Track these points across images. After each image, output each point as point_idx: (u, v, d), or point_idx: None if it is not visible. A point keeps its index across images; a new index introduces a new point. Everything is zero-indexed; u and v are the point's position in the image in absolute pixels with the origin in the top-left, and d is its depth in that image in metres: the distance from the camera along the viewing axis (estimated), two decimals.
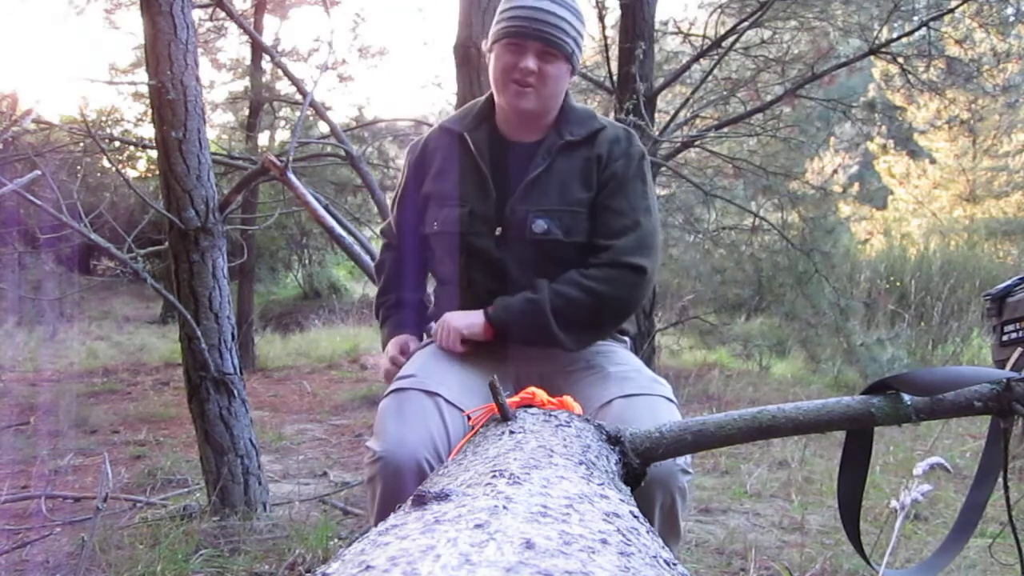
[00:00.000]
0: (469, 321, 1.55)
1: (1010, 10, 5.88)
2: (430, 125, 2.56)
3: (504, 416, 1.08)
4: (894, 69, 6.16)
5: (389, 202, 1.90)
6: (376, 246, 2.25)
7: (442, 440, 1.33)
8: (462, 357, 1.56)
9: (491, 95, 1.63)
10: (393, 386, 1.46)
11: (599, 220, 1.56)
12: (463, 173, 1.60)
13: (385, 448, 1.32)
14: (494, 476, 0.76)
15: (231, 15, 5.05)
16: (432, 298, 1.78)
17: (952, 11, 5.56)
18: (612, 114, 5.36)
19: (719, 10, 5.75)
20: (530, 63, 1.50)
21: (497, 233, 1.57)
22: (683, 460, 1.33)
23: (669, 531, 1.37)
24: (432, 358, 1.54)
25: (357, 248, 2.78)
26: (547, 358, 1.58)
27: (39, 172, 2.16)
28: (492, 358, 1.55)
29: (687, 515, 1.42)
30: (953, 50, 5.85)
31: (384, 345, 1.74)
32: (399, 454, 1.30)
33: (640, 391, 1.43)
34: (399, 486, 1.27)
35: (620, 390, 1.44)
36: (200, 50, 3.16)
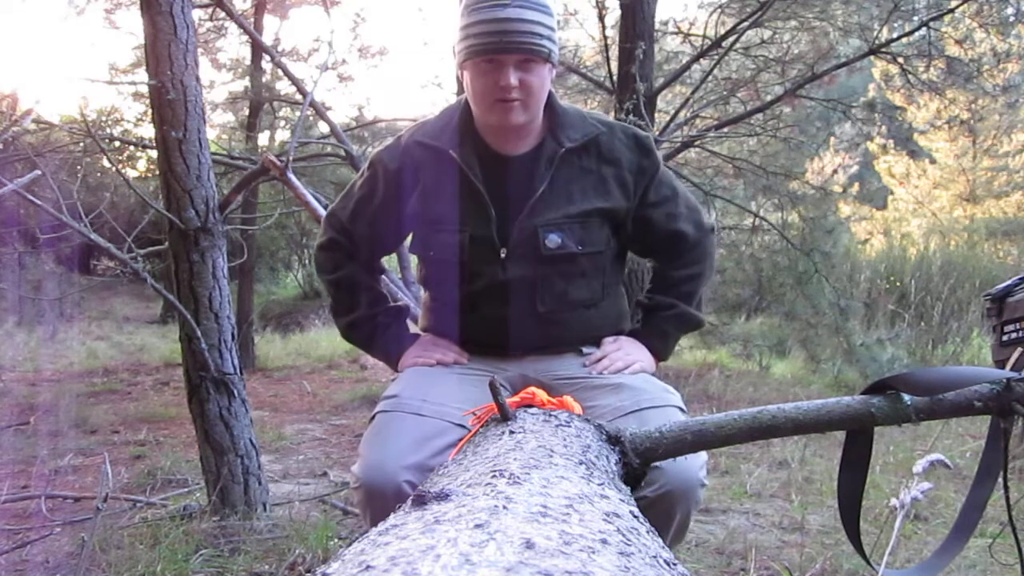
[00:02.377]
0: (647, 364, 1.58)
1: (1010, 10, 5.89)
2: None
3: (504, 416, 1.08)
4: (894, 69, 6.16)
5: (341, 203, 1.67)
6: None
7: (425, 457, 1.31)
8: (458, 369, 1.55)
9: (467, 102, 1.53)
10: (376, 409, 1.46)
11: (650, 218, 1.57)
12: (457, 196, 1.51)
13: (364, 474, 1.32)
14: (494, 476, 0.76)
15: (231, 15, 5.05)
16: (422, 309, 1.72)
17: (952, 11, 5.56)
18: (612, 114, 5.36)
19: (719, 10, 5.75)
20: (511, 79, 1.39)
21: (503, 255, 1.50)
22: (702, 474, 1.33)
23: (678, 537, 1.38)
24: (419, 375, 1.53)
25: None
26: (550, 369, 1.56)
27: (39, 172, 2.16)
28: (492, 368, 1.53)
29: None
30: (953, 50, 5.85)
31: (396, 354, 1.62)
32: (378, 479, 1.30)
33: (653, 403, 1.41)
34: (385, 510, 1.26)
35: (634, 403, 1.41)
36: (200, 50, 3.16)
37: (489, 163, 1.51)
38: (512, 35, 1.38)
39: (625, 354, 1.56)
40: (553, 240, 1.49)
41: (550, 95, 1.53)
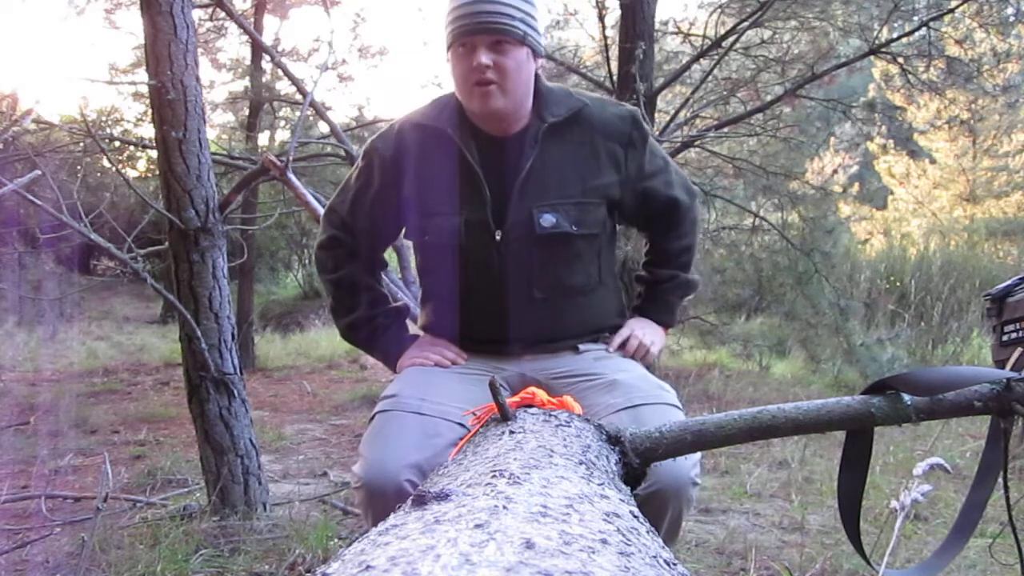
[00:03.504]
0: (659, 339, 1.65)
1: (1010, 10, 5.88)
2: None
3: (504, 416, 1.08)
4: (894, 69, 6.15)
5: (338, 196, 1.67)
6: None
7: (427, 456, 1.31)
8: (457, 369, 1.55)
9: None
10: (376, 408, 1.46)
11: (649, 189, 1.60)
12: (453, 177, 1.51)
13: (365, 473, 1.32)
14: (494, 476, 0.76)
15: (231, 15, 5.05)
16: (420, 306, 1.71)
17: (952, 11, 5.56)
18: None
19: (719, 10, 5.75)
20: (483, 58, 1.41)
21: (498, 238, 1.50)
22: (695, 472, 1.33)
23: (671, 536, 1.38)
24: (418, 374, 1.53)
25: None
26: (547, 367, 1.55)
27: (39, 172, 2.16)
28: (490, 367, 1.53)
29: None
30: (953, 50, 5.85)
31: (395, 355, 1.63)
32: (379, 479, 1.30)
33: (647, 400, 1.41)
34: (386, 510, 1.26)
35: (627, 400, 1.41)
36: (200, 50, 3.16)
37: (483, 144, 1.52)
38: (481, 16, 1.42)
39: (640, 337, 1.61)
40: (548, 220, 1.49)
41: (537, 79, 1.54)
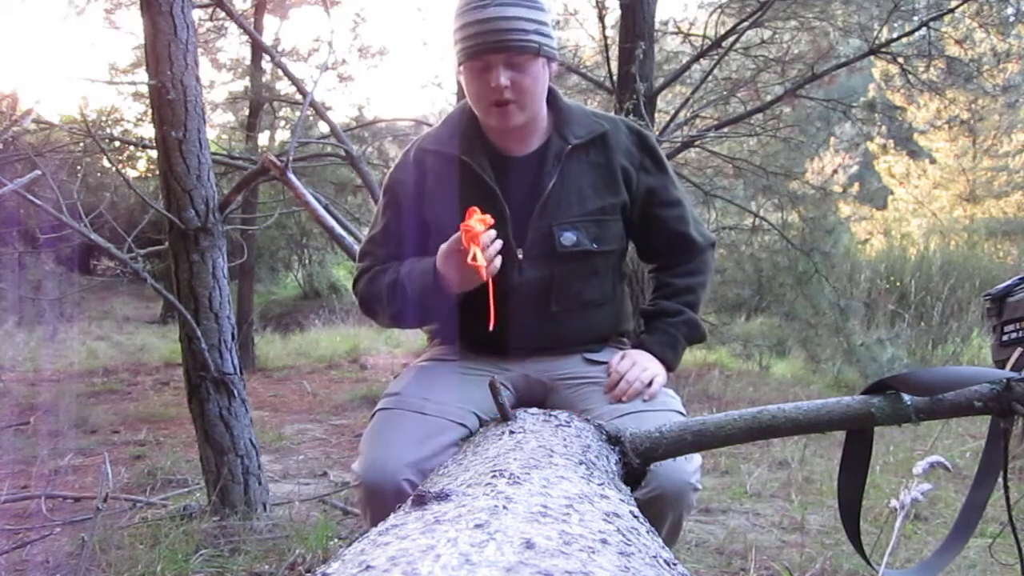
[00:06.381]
0: (660, 375, 1.49)
1: (1010, 10, 5.89)
2: (429, 125, 2.49)
3: (504, 416, 1.08)
4: (894, 69, 6.16)
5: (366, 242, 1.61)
6: None
7: (426, 455, 1.31)
8: (459, 368, 1.54)
9: (469, 106, 1.52)
10: (377, 407, 1.46)
11: (659, 218, 1.57)
12: (470, 200, 1.45)
13: (364, 472, 1.32)
14: (494, 476, 0.76)
15: (231, 15, 5.05)
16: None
17: (952, 11, 5.56)
18: (612, 114, 5.35)
19: (719, 10, 5.75)
20: (501, 79, 1.38)
21: (520, 256, 1.48)
22: (695, 478, 1.33)
23: (670, 541, 1.38)
24: (421, 373, 1.52)
25: (357, 248, 2.77)
26: (551, 368, 1.55)
27: (39, 172, 2.15)
28: (494, 367, 1.52)
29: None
30: (953, 50, 5.85)
31: (431, 275, 1.43)
32: (378, 478, 1.29)
33: (650, 407, 1.41)
34: (385, 509, 1.25)
35: (631, 405, 1.41)
36: (200, 50, 3.16)
37: (499, 164, 1.51)
38: (495, 34, 1.38)
39: (641, 370, 1.49)
40: (568, 238, 1.48)
41: (553, 92, 1.53)
